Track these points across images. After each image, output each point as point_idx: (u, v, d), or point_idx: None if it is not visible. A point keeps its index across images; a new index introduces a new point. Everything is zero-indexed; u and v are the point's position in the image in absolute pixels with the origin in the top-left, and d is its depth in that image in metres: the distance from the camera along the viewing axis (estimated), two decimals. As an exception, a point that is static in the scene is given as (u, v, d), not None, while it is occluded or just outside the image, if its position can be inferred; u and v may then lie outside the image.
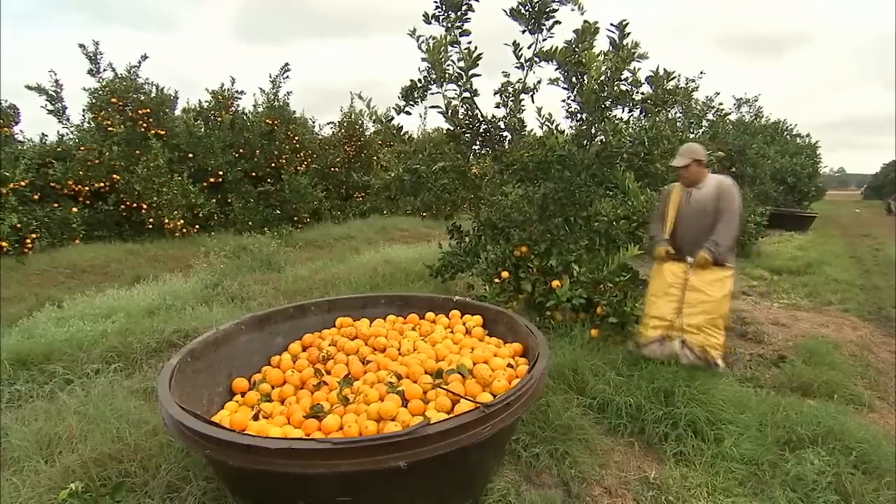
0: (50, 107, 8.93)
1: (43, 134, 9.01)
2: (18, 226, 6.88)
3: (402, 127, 4.11)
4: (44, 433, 2.20)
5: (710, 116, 8.43)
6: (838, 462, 2.22)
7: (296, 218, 10.64)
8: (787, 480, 2.15)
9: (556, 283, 3.54)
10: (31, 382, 2.81)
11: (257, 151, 10.36)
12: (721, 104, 8.61)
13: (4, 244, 6.58)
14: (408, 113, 3.89)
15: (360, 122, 12.50)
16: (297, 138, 10.90)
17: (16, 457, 2.10)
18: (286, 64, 10.73)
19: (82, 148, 8.40)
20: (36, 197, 7.82)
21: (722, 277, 2.86)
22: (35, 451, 2.10)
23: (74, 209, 8.07)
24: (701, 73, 6.71)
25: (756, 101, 12.44)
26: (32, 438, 2.17)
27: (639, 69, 3.45)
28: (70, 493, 1.78)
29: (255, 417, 1.93)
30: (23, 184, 7.29)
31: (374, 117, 4.11)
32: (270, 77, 10.74)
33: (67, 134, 9.04)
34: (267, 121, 10.53)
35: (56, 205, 7.98)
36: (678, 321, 2.87)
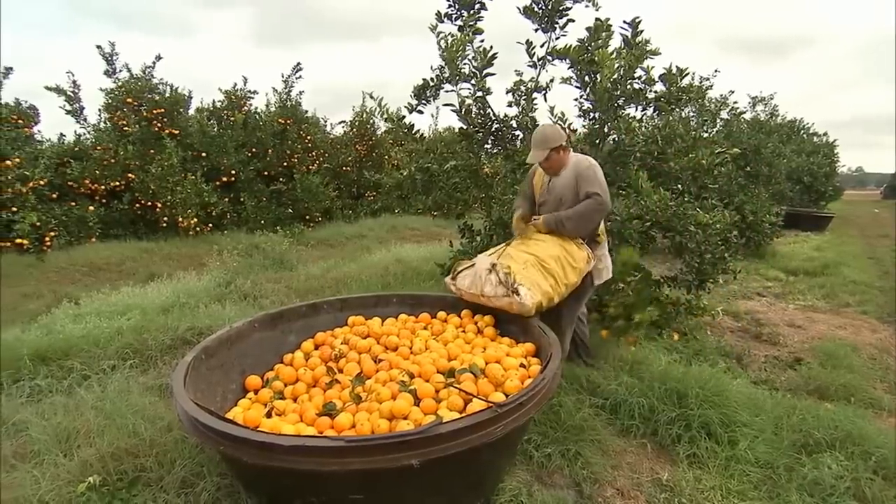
0: (68, 107, 9.10)
1: (61, 134, 9.22)
2: (38, 224, 7.02)
3: (413, 125, 4.11)
4: (62, 427, 2.24)
5: (724, 115, 8.30)
6: (857, 467, 2.18)
7: (308, 217, 10.69)
8: (803, 485, 2.11)
9: (567, 282, 3.51)
10: (50, 378, 2.87)
11: (270, 151, 10.43)
12: (735, 102, 8.48)
13: (25, 242, 6.72)
14: (420, 112, 3.89)
15: (371, 121, 12.52)
16: (309, 138, 10.96)
17: (36, 450, 2.14)
18: (298, 64, 10.79)
19: (98, 147, 8.55)
20: (54, 196, 7.99)
21: (577, 249, 2.53)
22: (54, 444, 2.14)
23: (91, 208, 8.22)
24: (716, 71, 6.62)
25: (772, 99, 12.24)
26: (52, 432, 2.21)
27: (652, 67, 3.42)
28: (88, 487, 1.82)
29: (269, 415, 1.94)
30: (42, 183, 7.44)
31: (385, 116, 4.11)
32: (283, 77, 10.82)
33: (84, 134, 9.22)
34: (279, 120, 10.60)
35: (73, 203, 8.14)
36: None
